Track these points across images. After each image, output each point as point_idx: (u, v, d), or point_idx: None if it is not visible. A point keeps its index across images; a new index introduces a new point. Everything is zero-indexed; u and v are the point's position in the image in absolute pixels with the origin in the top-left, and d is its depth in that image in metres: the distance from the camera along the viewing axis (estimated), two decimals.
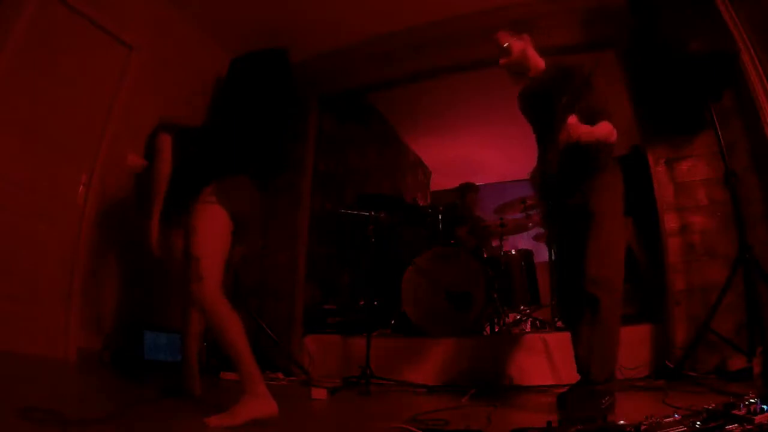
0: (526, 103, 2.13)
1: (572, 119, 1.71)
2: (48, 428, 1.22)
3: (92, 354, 2.50)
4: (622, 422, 1.14)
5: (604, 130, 1.73)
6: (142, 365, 2.56)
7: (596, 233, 1.78)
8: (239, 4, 3.33)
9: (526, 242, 4.48)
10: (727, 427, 1.00)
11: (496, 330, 3.26)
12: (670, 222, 2.71)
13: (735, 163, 2.49)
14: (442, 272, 3.06)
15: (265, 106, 3.16)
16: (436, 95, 4.48)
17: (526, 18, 3.28)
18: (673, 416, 1.09)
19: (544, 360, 2.67)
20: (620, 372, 2.24)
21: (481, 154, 6.04)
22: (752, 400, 1.04)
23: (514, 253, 3.61)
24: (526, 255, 3.60)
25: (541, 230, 3.94)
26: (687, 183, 2.72)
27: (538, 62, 2.04)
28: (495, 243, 3.83)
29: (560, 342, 2.63)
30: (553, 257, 3.50)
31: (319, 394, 2.27)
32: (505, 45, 2.02)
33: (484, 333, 3.22)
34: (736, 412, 1.03)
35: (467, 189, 4.32)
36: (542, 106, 2.01)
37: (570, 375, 2.07)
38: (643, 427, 1.05)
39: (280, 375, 2.89)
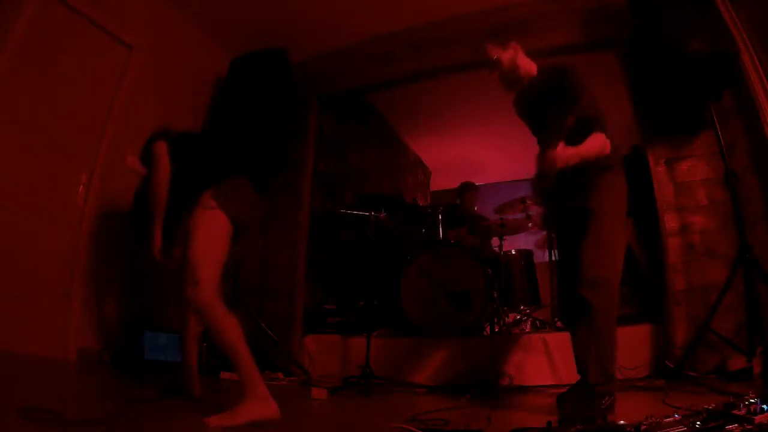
0: (522, 107, 2.12)
1: (558, 148, 1.68)
2: (48, 428, 1.22)
3: (92, 354, 2.50)
4: (622, 422, 1.14)
5: (594, 146, 1.72)
6: (142, 365, 2.56)
7: (594, 233, 1.77)
8: (239, 4, 3.33)
9: (526, 242, 4.47)
10: (727, 427, 1.00)
11: (496, 330, 3.25)
12: (670, 222, 2.71)
13: (735, 163, 2.49)
14: (442, 272, 3.06)
15: (265, 106, 3.17)
16: (436, 95, 4.48)
17: (526, 18, 3.29)
18: (673, 416, 1.09)
19: (544, 360, 2.67)
20: (620, 372, 2.24)
21: (481, 154, 6.04)
22: (752, 400, 1.04)
23: (514, 253, 3.61)
24: (526, 255, 3.60)
25: (542, 234, 3.94)
26: (687, 183, 2.72)
27: (530, 68, 2.03)
28: (495, 243, 3.83)
29: (560, 342, 2.63)
30: (553, 257, 3.51)
31: (319, 394, 2.28)
32: (494, 58, 2.01)
33: (484, 333, 3.22)
34: (736, 412, 1.03)
35: (466, 189, 4.32)
36: (538, 109, 2.00)
37: (570, 375, 2.07)
38: (643, 427, 1.05)
39: (280, 375, 2.89)
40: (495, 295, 3.21)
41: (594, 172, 1.81)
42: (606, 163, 1.80)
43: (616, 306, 1.75)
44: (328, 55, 3.86)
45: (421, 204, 5.04)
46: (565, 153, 1.69)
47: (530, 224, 3.74)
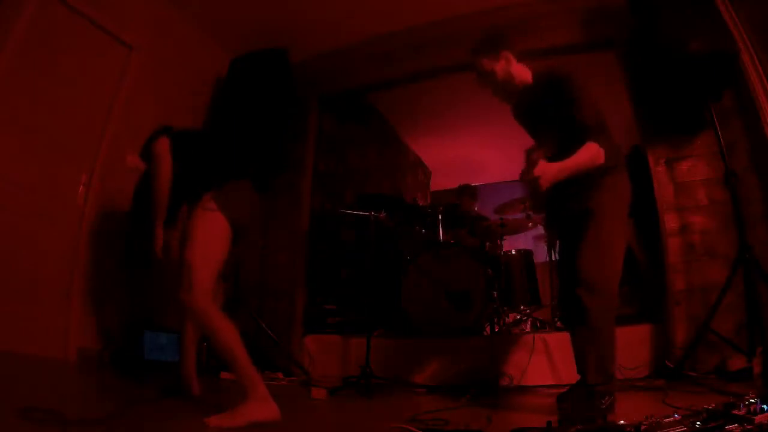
0: (519, 113, 2.10)
1: (540, 167, 1.63)
2: (48, 428, 1.22)
3: (92, 354, 2.50)
4: (622, 422, 1.14)
5: (584, 157, 1.69)
6: (142, 365, 2.56)
7: (593, 233, 1.76)
8: (239, 4, 3.33)
9: (526, 242, 4.48)
10: (727, 427, 1.00)
11: (496, 330, 3.25)
12: (670, 222, 2.71)
13: (735, 163, 2.49)
14: (442, 272, 3.06)
15: (265, 106, 3.17)
16: (436, 95, 4.48)
17: (526, 18, 3.29)
18: (673, 416, 1.09)
19: (544, 360, 2.67)
20: (620, 372, 2.24)
21: (481, 154, 6.04)
22: (752, 400, 1.04)
23: (514, 253, 3.61)
24: (526, 255, 3.60)
25: (542, 230, 3.94)
26: (687, 183, 2.72)
27: (525, 75, 1.96)
28: (495, 243, 3.83)
29: (560, 342, 2.63)
30: (553, 257, 3.51)
31: (319, 394, 2.28)
32: (489, 70, 1.94)
33: (484, 333, 3.22)
34: (736, 412, 1.03)
35: (463, 193, 4.30)
36: (536, 117, 2.00)
37: (570, 375, 2.07)
38: (643, 427, 1.05)
39: (280, 375, 2.89)
40: (495, 295, 3.22)
41: (596, 175, 1.80)
42: (607, 166, 1.79)
43: (614, 306, 1.75)
44: (328, 55, 3.86)
45: (421, 204, 5.03)
46: (550, 171, 1.65)
47: (530, 224, 3.75)
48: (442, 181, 6.50)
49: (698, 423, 1.04)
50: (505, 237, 3.82)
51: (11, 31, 2.27)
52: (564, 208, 1.94)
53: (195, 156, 1.90)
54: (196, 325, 1.93)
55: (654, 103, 2.72)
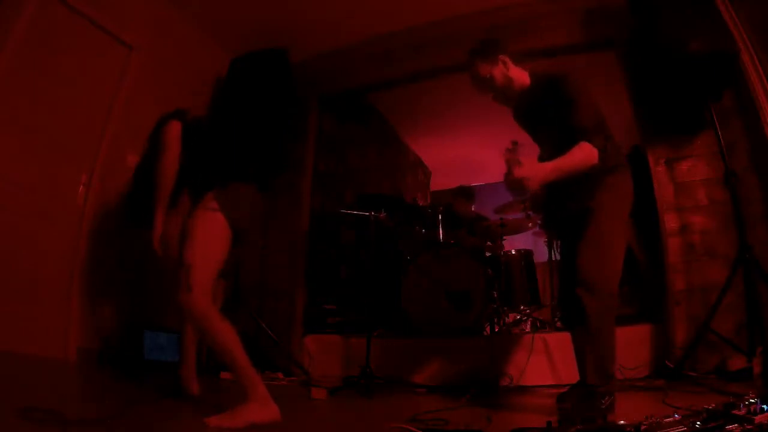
0: (519, 116, 2.10)
1: (525, 169, 1.60)
2: (48, 428, 1.22)
3: (92, 354, 2.50)
4: (622, 422, 1.14)
5: (576, 157, 1.67)
6: (142, 365, 2.56)
7: (593, 233, 1.75)
8: (239, 4, 3.33)
9: (526, 242, 4.48)
10: (727, 427, 0.99)
11: (496, 330, 3.25)
12: (670, 222, 2.71)
13: (735, 163, 2.50)
14: (442, 272, 3.06)
15: (265, 106, 3.16)
16: (436, 95, 4.48)
17: (526, 18, 3.29)
18: (673, 416, 1.09)
19: (544, 360, 2.67)
20: (620, 372, 2.25)
21: (481, 154, 6.04)
22: (752, 400, 1.04)
23: (514, 253, 3.61)
24: (526, 255, 3.60)
25: (542, 230, 3.94)
26: (687, 183, 2.72)
27: (523, 78, 1.95)
28: (495, 243, 3.83)
29: (560, 342, 2.63)
30: (554, 257, 3.51)
31: (319, 394, 2.27)
32: (487, 75, 1.92)
33: (484, 333, 3.22)
34: (736, 412, 1.03)
35: (457, 195, 4.27)
36: (535, 117, 1.99)
37: (570, 375, 2.07)
38: (643, 427, 1.05)
39: (280, 375, 2.89)
40: (495, 295, 3.22)
41: (597, 175, 1.80)
42: (607, 166, 1.79)
43: (615, 307, 1.74)
44: (328, 55, 3.86)
45: (421, 204, 5.04)
46: (539, 172, 1.64)
47: (530, 224, 3.75)
48: (442, 181, 6.49)
49: (698, 423, 1.04)
50: (505, 237, 3.83)
51: (11, 31, 2.27)
52: (564, 207, 1.94)
53: (204, 148, 1.83)
54: (195, 326, 1.92)
55: (654, 103, 2.72)
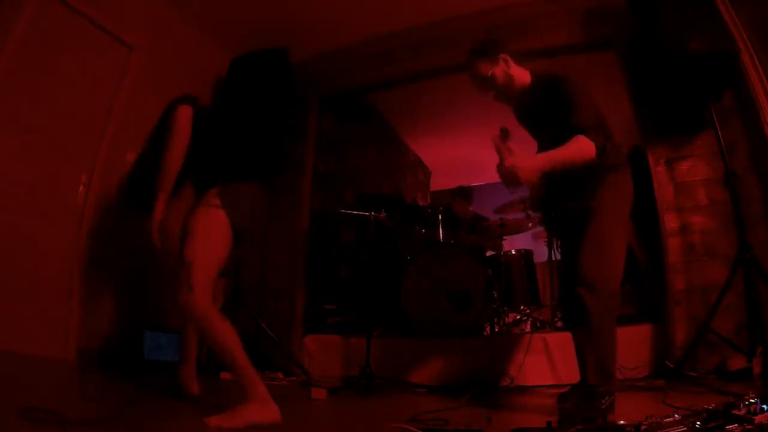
0: (520, 115, 2.10)
1: (519, 159, 1.60)
2: (48, 428, 1.22)
3: (92, 354, 2.50)
4: (622, 422, 1.14)
5: (571, 149, 1.66)
6: (142, 365, 2.56)
7: (594, 232, 1.75)
8: (239, 4, 3.33)
9: (526, 242, 4.48)
10: (727, 427, 1.00)
11: (496, 330, 3.25)
12: (670, 222, 2.71)
13: (735, 163, 2.49)
14: (442, 272, 3.06)
15: (265, 106, 3.16)
16: (436, 95, 4.48)
17: (526, 18, 3.29)
18: (673, 416, 1.09)
19: (544, 360, 2.67)
20: (620, 372, 2.24)
21: (481, 154, 6.03)
22: (752, 400, 1.04)
23: (514, 253, 3.61)
24: (526, 255, 3.60)
25: (541, 229, 3.94)
26: (687, 183, 2.72)
27: (524, 78, 1.95)
28: (495, 243, 3.83)
29: (560, 342, 2.63)
30: (554, 257, 3.51)
31: (319, 394, 2.27)
32: (489, 74, 1.92)
33: (484, 333, 3.22)
34: (736, 412, 1.03)
35: (455, 195, 4.28)
36: (536, 117, 1.99)
37: (570, 375, 2.07)
38: (643, 427, 1.05)
39: (280, 375, 2.89)
40: (495, 295, 3.22)
41: (597, 174, 1.80)
42: (608, 165, 1.79)
43: (616, 307, 1.74)
44: (328, 55, 3.86)
45: (421, 204, 5.04)
46: (532, 162, 1.63)
47: (530, 224, 3.75)
48: (442, 181, 6.49)
49: (698, 423, 1.04)
50: (505, 237, 3.83)
51: (11, 31, 2.27)
52: (565, 206, 1.94)
53: (210, 140, 1.79)
54: (195, 325, 1.91)
55: (654, 103, 2.72)
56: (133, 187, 1.97)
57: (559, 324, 3.19)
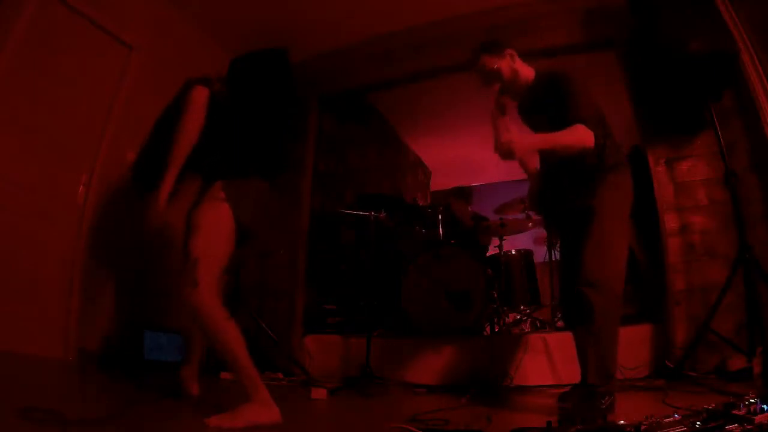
0: (522, 112, 2.11)
1: (515, 135, 1.64)
2: (48, 428, 1.22)
3: (92, 354, 2.50)
4: (622, 422, 1.14)
5: (569, 136, 1.67)
6: (142, 365, 2.56)
7: (595, 232, 1.75)
8: (239, 4, 3.33)
9: (526, 242, 4.48)
10: (727, 427, 1.00)
11: (496, 330, 3.25)
12: (670, 222, 2.71)
13: (735, 163, 2.50)
14: (442, 272, 3.06)
15: (265, 106, 3.16)
16: (436, 95, 4.48)
17: (526, 18, 3.29)
18: (673, 416, 1.09)
19: (544, 360, 2.67)
20: (620, 372, 2.24)
21: (481, 154, 6.03)
22: (752, 400, 1.04)
23: (514, 253, 3.61)
24: (526, 255, 3.60)
25: (541, 232, 3.95)
26: (687, 183, 2.72)
27: (528, 74, 1.97)
28: (495, 243, 3.83)
29: (560, 342, 2.63)
30: (554, 257, 3.51)
31: (319, 394, 2.27)
32: (495, 67, 1.94)
33: (484, 333, 3.22)
34: (736, 412, 1.03)
35: (454, 195, 4.28)
36: (537, 114, 1.99)
37: (570, 375, 2.07)
38: (643, 427, 1.05)
39: (280, 375, 2.89)
40: (495, 295, 3.22)
41: (597, 173, 1.80)
42: (608, 164, 1.79)
43: (617, 306, 1.74)
44: (328, 55, 3.86)
45: (421, 204, 5.04)
46: (526, 139, 1.65)
47: (530, 224, 3.75)
48: (442, 181, 6.49)
49: (698, 423, 1.04)
50: (505, 237, 3.83)
51: (11, 31, 2.27)
52: (565, 206, 1.94)
53: (221, 128, 1.75)
54: (197, 322, 1.89)
55: (654, 103, 2.72)
56: (142, 167, 1.89)
57: (559, 324, 3.19)
